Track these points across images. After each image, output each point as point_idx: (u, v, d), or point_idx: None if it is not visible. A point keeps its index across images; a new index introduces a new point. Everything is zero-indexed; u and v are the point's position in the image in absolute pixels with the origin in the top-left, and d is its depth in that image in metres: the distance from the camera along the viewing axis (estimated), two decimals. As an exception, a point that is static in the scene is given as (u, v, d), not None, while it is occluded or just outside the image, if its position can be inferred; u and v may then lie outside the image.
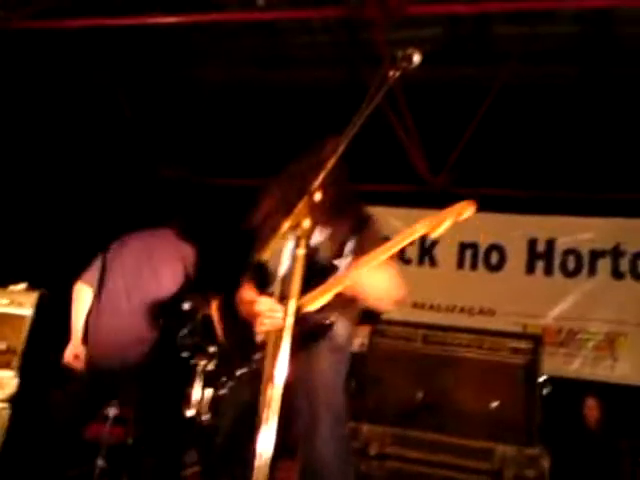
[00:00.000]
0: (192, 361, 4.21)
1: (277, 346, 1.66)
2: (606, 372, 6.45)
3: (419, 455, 3.54)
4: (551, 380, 4.80)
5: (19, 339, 4.20)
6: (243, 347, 2.57)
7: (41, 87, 6.75)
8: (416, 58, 1.99)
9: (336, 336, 2.50)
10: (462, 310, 6.72)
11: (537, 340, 4.04)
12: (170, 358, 3.98)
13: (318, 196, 1.74)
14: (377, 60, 4.87)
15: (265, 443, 1.64)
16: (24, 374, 4.10)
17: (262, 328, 2.45)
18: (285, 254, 2.61)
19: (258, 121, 7.16)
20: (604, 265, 6.70)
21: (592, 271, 6.72)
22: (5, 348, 4.17)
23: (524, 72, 6.15)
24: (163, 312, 3.73)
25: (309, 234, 2.54)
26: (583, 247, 6.72)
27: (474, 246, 7.00)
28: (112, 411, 4.06)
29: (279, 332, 1.62)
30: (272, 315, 2.42)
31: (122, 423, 4.03)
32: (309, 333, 2.41)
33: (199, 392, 4.24)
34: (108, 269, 3.78)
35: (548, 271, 6.77)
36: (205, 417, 4.24)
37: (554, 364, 6.20)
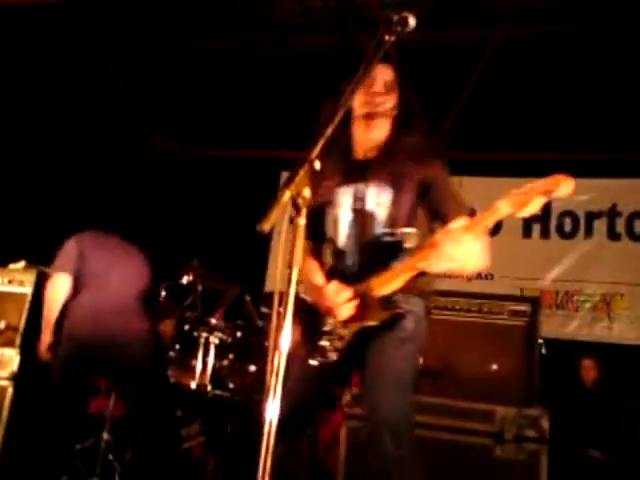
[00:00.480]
0: (194, 333, 4.23)
1: (282, 316, 1.66)
2: (603, 332, 6.51)
3: (421, 419, 3.55)
4: (548, 342, 4.84)
5: (20, 317, 4.21)
6: (310, 334, 2.38)
7: (31, 62, 6.66)
8: (411, 21, 1.95)
9: (406, 327, 2.29)
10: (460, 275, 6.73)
11: (535, 302, 4.06)
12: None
13: (318, 164, 1.72)
14: (369, 24, 4.80)
15: (272, 410, 1.65)
16: (26, 352, 4.12)
17: (340, 318, 2.32)
18: (342, 217, 2.44)
19: (251, 90, 7.09)
20: (600, 226, 6.73)
21: (588, 232, 6.75)
22: (6, 326, 4.19)
23: (517, 33, 6.09)
24: (143, 285, 3.91)
25: (362, 196, 2.38)
26: (579, 209, 6.73)
27: (470, 211, 6.98)
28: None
29: (284, 302, 1.62)
30: (345, 305, 2.29)
31: (122, 397, 4.08)
32: (379, 320, 2.27)
33: (202, 364, 4.26)
34: (82, 254, 3.85)
35: (544, 234, 6.80)
36: (208, 388, 4.26)
37: (551, 326, 6.25)
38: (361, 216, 2.39)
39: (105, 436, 4.15)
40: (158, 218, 6.58)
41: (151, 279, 3.99)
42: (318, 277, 2.45)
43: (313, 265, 2.50)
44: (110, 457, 4.14)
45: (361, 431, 3.45)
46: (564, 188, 2.00)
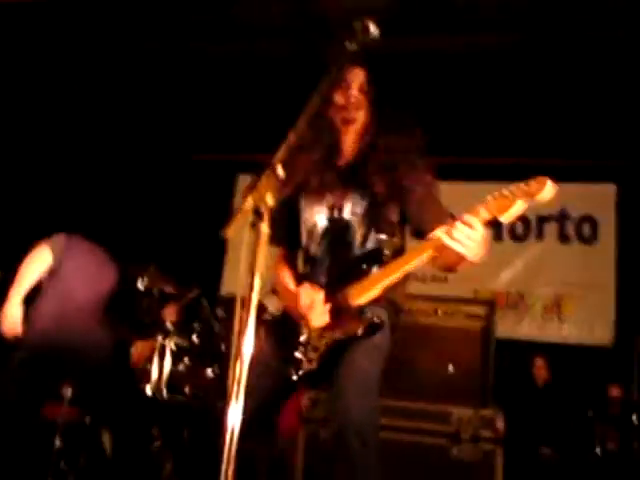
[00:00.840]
0: (151, 338, 4.18)
1: (244, 322, 1.65)
2: (554, 333, 6.68)
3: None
4: (501, 342, 4.95)
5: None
6: (284, 344, 2.34)
7: (20, 61, 6.53)
8: (372, 29, 1.95)
9: (377, 335, 2.24)
10: (415, 278, 6.81)
11: (491, 305, 4.14)
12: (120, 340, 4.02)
13: (281, 171, 1.71)
14: (328, 29, 4.80)
15: (234, 417, 1.64)
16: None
17: (314, 325, 2.28)
18: (318, 224, 2.39)
19: (208, 92, 7.03)
20: (551, 229, 6.90)
21: (539, 236, 6.91)
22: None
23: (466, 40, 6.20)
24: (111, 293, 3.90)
25: (340, 205, 2.34)
26: (530, 212, 6.86)
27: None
28: (68, 391, 4.02)
29: (246, 308, 1.61)
30: (318, 310, 2.26)
31: (79, 403, 4.00)
32: (356, 331, 2.22)
33: (157, 369, 4.21)
34: (68, 249, 3.79)
35: (498, 237, 6.92)
36: (164, 394, 4.21)
37: (504, 326, 6.36)
38: (337, 224, 2.37)
39: (57, 443, 4.06)
40: (116, 221, 6.48)
41: (114, 284, 3.94)
42: (291, 284, 2.43)
43: (286, 272, 2.48)
44: (62, 464, 4.05)
45: (319, 435, 3.47)
46: (547, 192, 1.98)
